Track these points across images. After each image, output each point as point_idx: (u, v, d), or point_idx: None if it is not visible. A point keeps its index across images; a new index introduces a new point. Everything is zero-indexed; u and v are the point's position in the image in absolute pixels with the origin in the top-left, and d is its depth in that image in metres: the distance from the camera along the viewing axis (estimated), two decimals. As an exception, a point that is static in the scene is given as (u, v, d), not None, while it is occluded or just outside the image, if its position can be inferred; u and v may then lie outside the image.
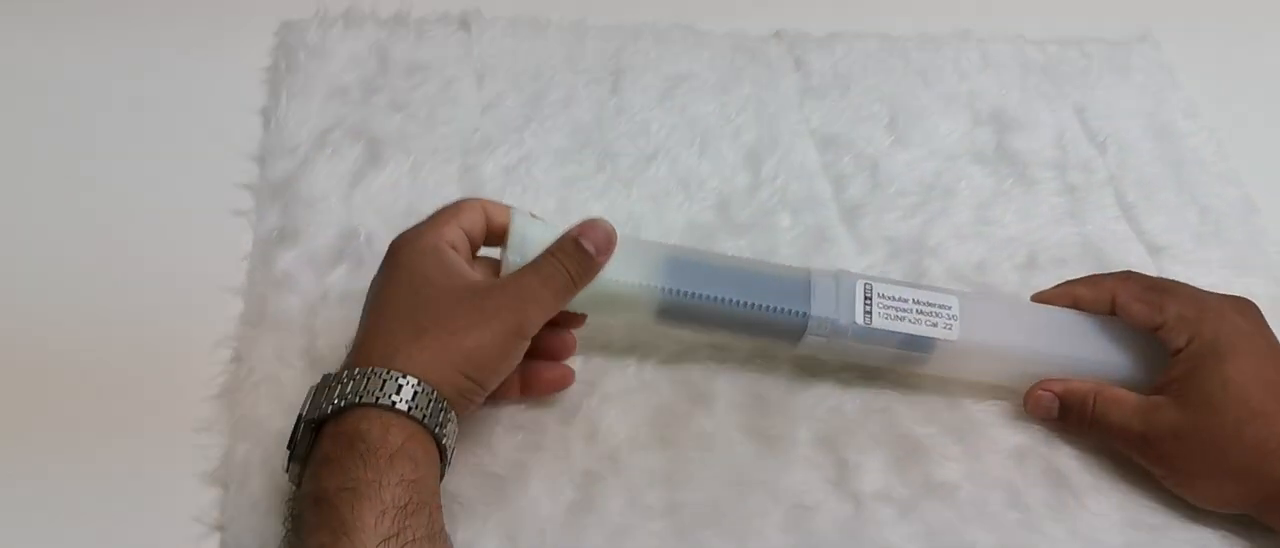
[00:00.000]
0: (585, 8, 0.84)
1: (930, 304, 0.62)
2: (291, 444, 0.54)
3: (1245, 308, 0.62)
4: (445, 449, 0.54)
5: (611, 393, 0.64)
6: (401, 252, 0.57)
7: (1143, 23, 0.90)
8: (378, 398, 0.52)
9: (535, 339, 0.57)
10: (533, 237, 0.59)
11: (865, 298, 0.61)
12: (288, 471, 0.54)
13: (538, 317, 0.56)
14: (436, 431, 0.53)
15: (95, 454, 0.60)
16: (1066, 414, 0.63)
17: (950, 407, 0.65)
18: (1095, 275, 0.66)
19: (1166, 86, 0.86)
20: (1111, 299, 0.63)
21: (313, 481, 0.51)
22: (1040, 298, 0.66)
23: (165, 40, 0.80)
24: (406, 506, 0.50)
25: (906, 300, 0.62)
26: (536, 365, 0.61)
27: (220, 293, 0.66)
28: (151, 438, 0.61)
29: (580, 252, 0.57)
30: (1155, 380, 0.61)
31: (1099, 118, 0.82)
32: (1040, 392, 0.63)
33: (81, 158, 0.73)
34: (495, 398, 0.59)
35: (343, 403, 0.52)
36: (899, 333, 0.61)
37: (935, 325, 0.61)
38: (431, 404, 0.53)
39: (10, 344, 0.64)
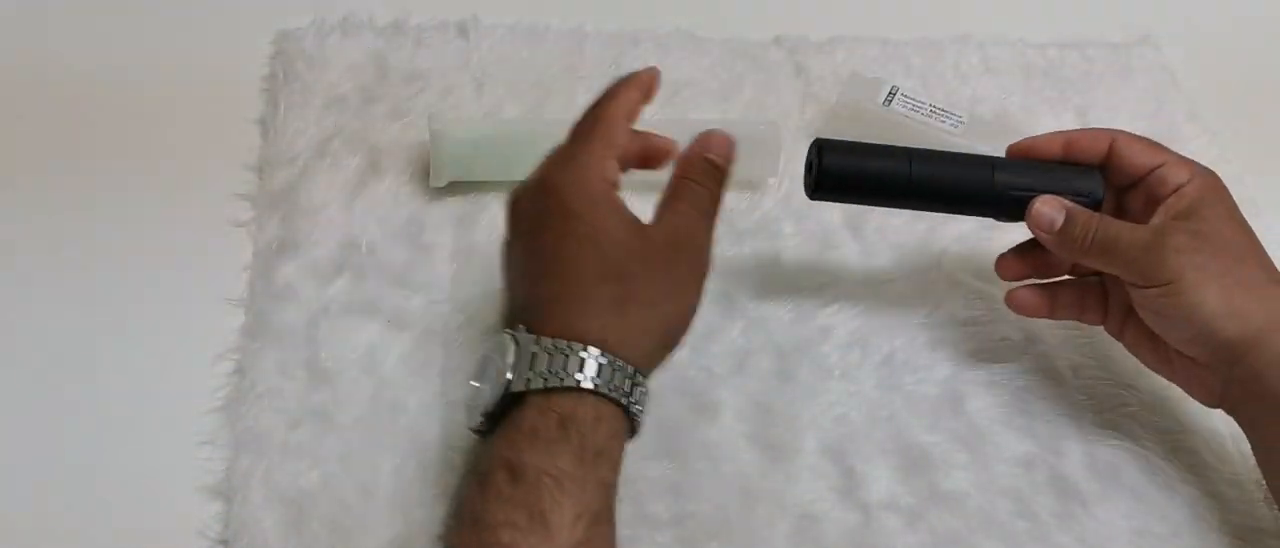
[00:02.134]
0: (584, 14, 0.84)
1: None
2: (485, 409, 0.51)
3: None
4: (638, 431, 0.53)
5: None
6: (572, 197, 0.54)
7: (1143, 26, 0.89)
8: (597, 385, 0.50)
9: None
10: None
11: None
12: (473, 424, 0.53)
13: (710, 253, 0.56)
14: (638, 417, 0.52)
15: (98, 467, 0.59)
16: (1067, 229, 0.61)
17: (956, 414, 0.65)
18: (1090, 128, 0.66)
19: (1168, 88, 0.86)
20: (1109, 143, 0.62)
21: (510, 447, 0.49)
22: (1025, 145, 0.64)
23: (162, 51, 0.80)
24: (599, 513, 0.49)
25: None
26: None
27: (221, 305, 0.66)
28: (153, 451, 0.60)
29: (714, 168, 0.57)
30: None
31: (1101, 121, 0.82)
32: (1042, 207, 0.61)
33: (77, 170, 0.72)
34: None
35: (557, 382, 0.50)
36: None
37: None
38: (635, 389, 0.51)
39: (9, 353, 0.63)
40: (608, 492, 0.50)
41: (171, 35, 0.81)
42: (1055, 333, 0.69)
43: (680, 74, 0.81)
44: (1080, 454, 0.64)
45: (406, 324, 0.66)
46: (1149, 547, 0.60)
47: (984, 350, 0.68)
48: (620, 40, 0.83)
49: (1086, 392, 0.66)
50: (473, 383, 0.53)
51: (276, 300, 0.66)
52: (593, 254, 0.52)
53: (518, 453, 0.49)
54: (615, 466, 0.50)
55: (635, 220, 0.54)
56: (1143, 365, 0.64)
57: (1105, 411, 0.66)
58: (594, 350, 0.50)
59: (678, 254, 0.54)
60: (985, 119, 0.78)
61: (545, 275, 0.53)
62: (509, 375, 0.51)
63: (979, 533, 0.60)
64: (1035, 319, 0.66)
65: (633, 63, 0.81)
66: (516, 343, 0.51)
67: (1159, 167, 0.61)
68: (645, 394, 0.52)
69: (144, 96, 0.77)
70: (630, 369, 0.51)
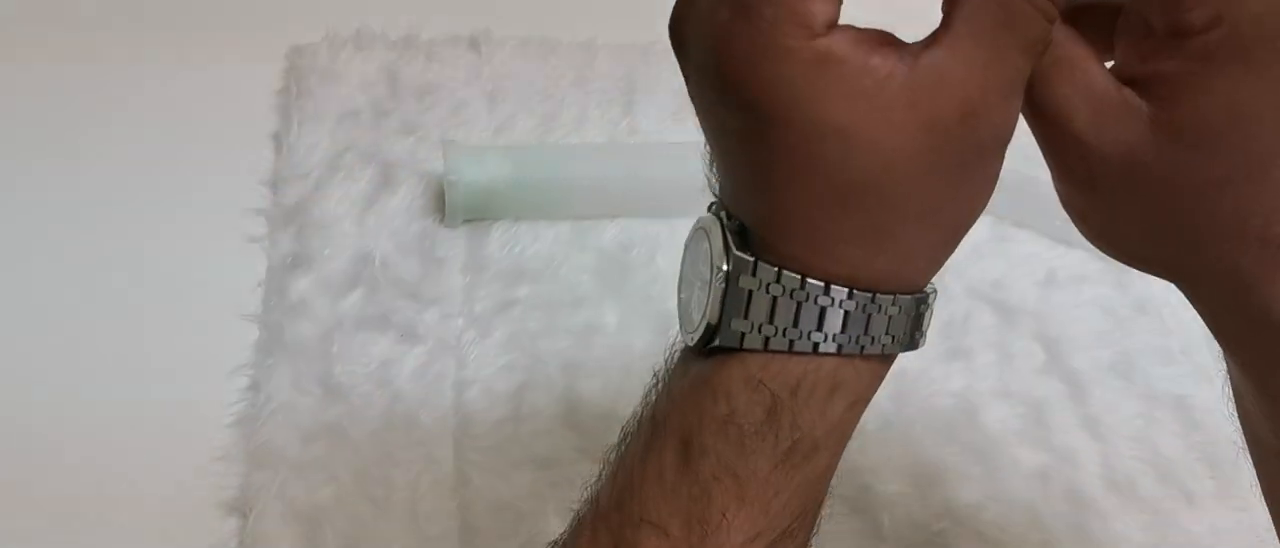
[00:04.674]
0: (595, 27, 0.84)
1: None
2: (703, 333, 0.37)
3: None
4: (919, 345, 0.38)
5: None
6: (764, 96, 0.34)
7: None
8: (841, 346, 0.36)
9: None
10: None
11: None
12: (689, 336, 0.38)
13: (1008, 115, 0.35)
14: (918, 341, 0.38)
15: (112, 484, 0.59)
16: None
17: (971, 426, 0.64)
18: None
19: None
20: None
21: (695, 414, 0.37)
22: None
23: (174, 68, 0.80)
24: (789, 529, 0.37)
25: None
26: None
27: (236, 320, 0.66)
28: (168, 467, 0.60)
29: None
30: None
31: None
32: None
33: (92, 187, 0.73)
34: None
35: (783, 344, 0.36)
36: None
37: None
38: (898, 335, 0.37)
39: (21, 369, 0.63)
40: (813, 489, 0.37)
41: (184, 51, 0.81)
42: (1077, 344, 0.69)
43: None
44: (1097, 467, 0.63)
45: (420, 338, 0.66)
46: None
47: (1000, 361, 0.68)
48: (631, 52, 0.83)
49: (1105, 404, 0.66)
50: (680, 292, 0.40)
51: (290, 315, 0.66)
52: (819, 176, 0.34)
53: (700, 430, 0.36)
54: (841, 444, 0.38)
55: (876, 89, 0.33)
56: (1160, 377, 0.64)
57: (1124, 422, 0.66)
58: (840, 292, 0.35)
59: (950, 133, 0.34)
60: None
61: (755, 188, 0.36)
62: (712, 319, 0.36)
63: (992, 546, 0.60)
64: (1052, 330, 0.66)
65: (644, 75, 0.81)
66: (728, 261, 0.36)
67: None
68: (925, 312, 0.38)
69: (157, 112, 0.77)
70: (894, 302, 0.36)
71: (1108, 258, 0.40)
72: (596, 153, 0.76)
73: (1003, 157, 0.36)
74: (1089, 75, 0.36)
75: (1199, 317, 0.39)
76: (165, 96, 0.78)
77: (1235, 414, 0.42)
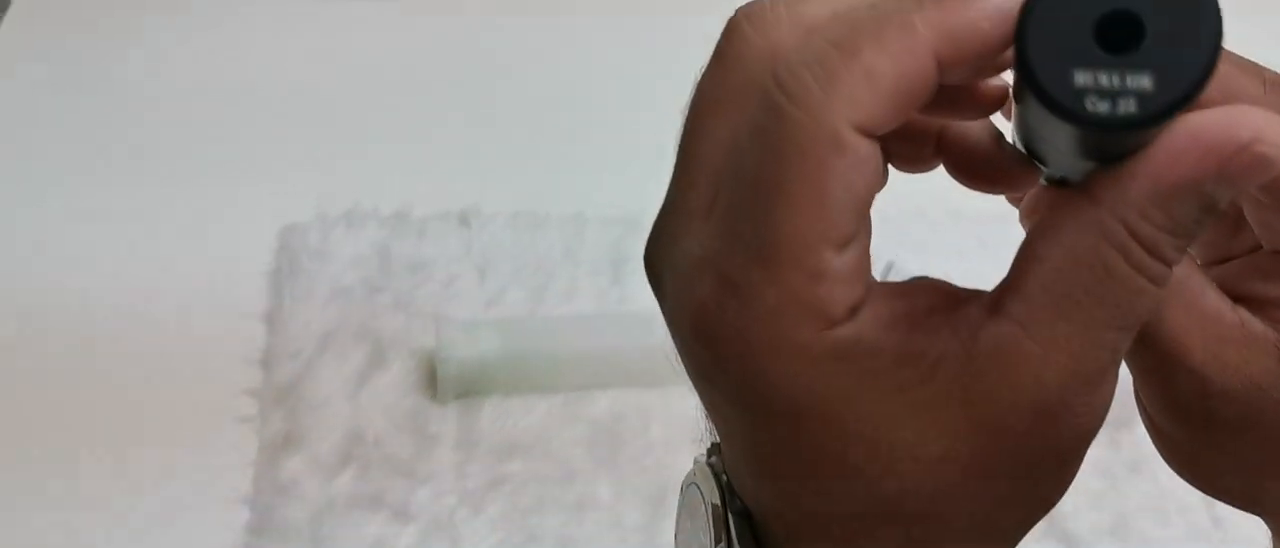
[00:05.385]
0: (583, 200, 0.85)
1: None
2: None
3: None
4: None
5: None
6: (781, 379, 0.25)
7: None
8: None
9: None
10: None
11: None
12: None
13: (1098, 408, 0.27)
14: None
15: None
16: None
17: None
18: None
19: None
20: None
21: None
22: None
23: (168, 249, 0.81)
24: None
25: None
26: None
27: (226, 502, 0.65)
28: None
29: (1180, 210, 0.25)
30: None
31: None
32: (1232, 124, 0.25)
33: (80, 369, 0.73)
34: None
35: None
36: None
37: None
38: None
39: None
40: None
41: (177, 232, 0.82)
42: (1074, 507, 0.68)
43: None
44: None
45: (412, 516, 0.65)
46: None
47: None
48: (619, 223, 0.84)
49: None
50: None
51: (281, 496, 0.66)
52: (843, 487, 0.27)
53: None
54: None
55: (918, 383, 0.25)
56: (1157, 538, 0.63)
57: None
58: None
59: (1018, 436, 0.26)
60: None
61: (761, 477, 0.29)
62: None
63: None
64: None
65: (632, 244, 0.82)
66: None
67: None
68: None
69: (150, 295, 0.78)
70: None
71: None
72: (587, 324, 0.76)
73: (1085, 453, 0.27)
74: (1203, 297, 0.29)
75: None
76: (157, 277, 0.79)
77: None
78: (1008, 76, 0.27)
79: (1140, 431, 0.36)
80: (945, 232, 0.85)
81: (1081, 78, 0.23)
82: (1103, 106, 0.23)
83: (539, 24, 1.02)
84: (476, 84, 0.96)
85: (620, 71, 0.98)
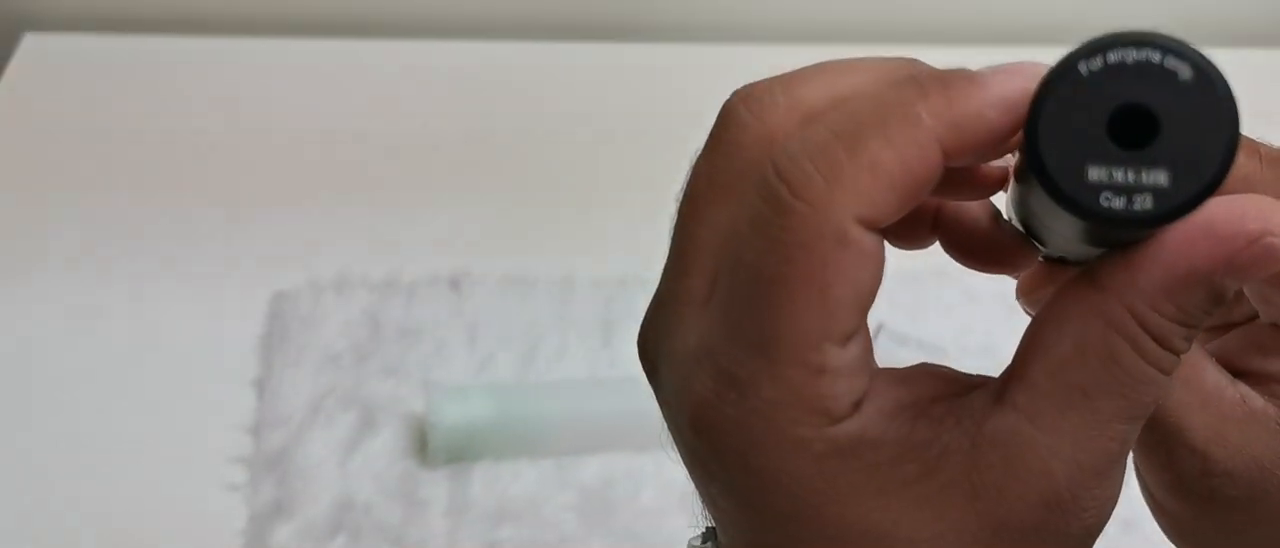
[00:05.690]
0: (572, 263, 0.86)
1: None
2: None
3: None
4: None
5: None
6: (781, 476, 0.25)
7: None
8: None
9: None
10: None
11: None
12: None
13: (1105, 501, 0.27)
14: None
15: None
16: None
17: None
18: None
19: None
20: None
21: None
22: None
23: (155, 314, 0.81)
24: None
25: None
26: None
27: (215, 573, 0.65)
28: None
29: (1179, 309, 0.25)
30: None
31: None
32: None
33: (69, 438, 0.72)
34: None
35: None
36: None
37: None
38: None
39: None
40: None
41: (165, 298, 0.82)
42: None
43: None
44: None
45: (403, 584, 0.65)
46: None
47: None
48: (609, 284, 0.84)
49: None
50: None
51: (271, 565, 0.65)
52: None
53: None
54: None
55: (921, 477, 0.25)
56: None
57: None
58: None
59: (1025, 530, 0.26)
60: (972, 349, 0.79)
61: None
62: None
63: None
64: None
65: (622, 306, 0.82)
66: None
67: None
68: None
69: (139, 362, 0.78)
70: None
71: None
72: (577, 388, 0.76)
73: (1094, 543, 0.27)
74: (1204, 375, 0.29)
75: None
76: (145, 344, 0.79)
77: None
78: (1008, 158, 0.27)
79: (1133, 489, 0.36)
80: (934, 289, 0.85)
81: (1095, 173, 0.22)
82: (1118, 203, 0.22)
83: (527, 90, 1.03)
84: (464, 149, 0.97)
85: (609, 136, 0.98)
